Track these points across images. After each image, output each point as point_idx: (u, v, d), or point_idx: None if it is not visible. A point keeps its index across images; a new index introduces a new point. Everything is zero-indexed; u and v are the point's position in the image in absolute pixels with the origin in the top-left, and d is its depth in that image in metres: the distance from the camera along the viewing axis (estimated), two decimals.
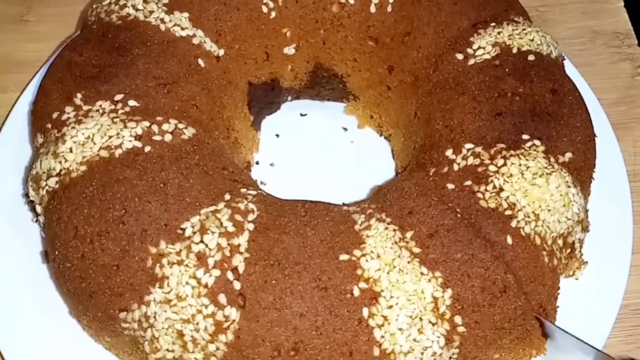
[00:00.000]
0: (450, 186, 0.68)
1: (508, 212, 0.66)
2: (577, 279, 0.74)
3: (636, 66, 1.02)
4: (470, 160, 0.69)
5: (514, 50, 0.77)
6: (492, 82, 0.75)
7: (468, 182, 0.68)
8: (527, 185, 0.67)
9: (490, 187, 0.67)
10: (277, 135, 0.92)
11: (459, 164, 0.70)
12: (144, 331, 0.64)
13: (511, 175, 0.67)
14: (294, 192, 0.77)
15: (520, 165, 0.68)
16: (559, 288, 0.68)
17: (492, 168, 0.68)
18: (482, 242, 0.64)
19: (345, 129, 0.93)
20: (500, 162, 0.68)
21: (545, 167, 0.68)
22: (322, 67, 0.89)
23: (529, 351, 0.68)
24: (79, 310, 0.70)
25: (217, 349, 0.62)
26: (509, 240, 0.65)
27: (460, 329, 0.63)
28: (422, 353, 0.62)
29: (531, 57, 0.77)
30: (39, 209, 0.72)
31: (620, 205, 0.82)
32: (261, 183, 0.86)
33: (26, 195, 0.77)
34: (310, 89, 0.92)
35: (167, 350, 0.64)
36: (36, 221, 0.77)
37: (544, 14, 1.07)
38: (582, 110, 0.75)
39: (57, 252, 0.68)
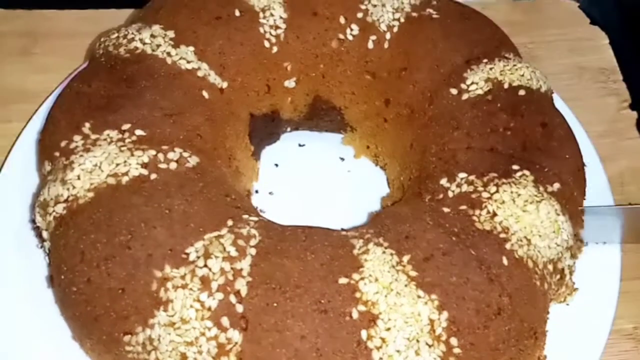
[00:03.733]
0: (446, 210, 0.70)
1: (503, 235, 0.68)
2: (567, 304, 0.77)
3: (621, 100, 1.06)
4: (465, 188, 0.72)
5: (506, 86, 0.80)
6: (485, 118, 0.78)
7: (463, 207, 0.70)
8: (518, 211, 0.70)
9: (484, 212, 0.70)
10: (277, 165, 0.95)
11: (453, 191, 0.72)
12: (148, 354, 0.66)
13: (503, 201, 0.70)
14: (292, 220, 0.79)
15: (511, 192, 0.71)
16: (549, 312, 0.70)
17: (485, 195, 0.71)
18: (476, 265, 0.66)
19: (343, 159, 0.96)
20: (493, 189, 0.71)
21: (535, 195, 0.71)
22: (321, 100, 0.92)
23: None
24: (82, 334, 0.71)
25: None
26: (505, 261, 0.67)
27: (456, 350, 0.64)
28: None
29: (522, 92, 0.80)
30: (45, 234, 0.74)
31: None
32: (260, 211, 0.88)
33: (32, 221, 0.79)
34: (309, 120, 0.95)
35: None
36: (41, 247, 0.78)
37: (533, 51, 1.11)
38: (571, 141, 0.79)
39: (63, 277, 0.69)
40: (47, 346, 0.75)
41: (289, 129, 0.96)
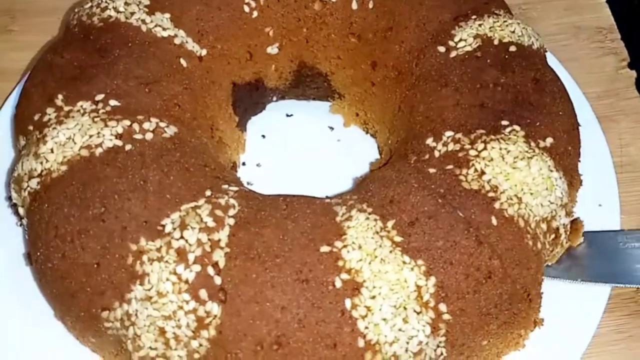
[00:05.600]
0: (432, 170, 0.67)
1: (491, 194, 0.65)
2: None
3: (620, 59, 1.02)
4: (451, 147, 0.69)
5: (495, 42, 0.77)
6: (474, 74, 0.75)
7: (449, 167, 0.67)
8: (508, 168, 0.67)
9: (472, 171, 0.67)
10: (263, 136, 0.92)
11: (439, 151, 0.69)
12: (126, 329, 0.64)
13: (492, 159, 0.67)
14: (281, 192, 0.76)
15: (500, 149, 0.68)
16: (543, 273, 0.67)
17: (472, 152, 0.68)
18: (464, 227, 0.63)
19: (332, 128, 0.93)
20: (481, 146, 0.68)
21: (526, 151, 0.68)
22: (306, 66, 0.89)
23: (517, 336, 0.67)
24: (62, 311, 0.69)
25: (200, 345, 0.62)
26: (494, 221, 0.64)
27: (446, 316, 0.62)
28: (407, 342, 0.61)
29: (512, 48, 0.77)
30: (21, 211, 0.72)
31: (608, 195, 0.82)
32: (248, 183, 0.86)
33: (9, 198, 0.77)
34: (295, 88, 0.92)
35: (150, 348, 0.63)
36: (20, 224, 0.77)
37: (527, 12, 1.08)
38: (564, 98, 0.75)
39: (39, 253, 0.67)
40: (30, 326, 0.73)
41: (275, 99, 0.93)
